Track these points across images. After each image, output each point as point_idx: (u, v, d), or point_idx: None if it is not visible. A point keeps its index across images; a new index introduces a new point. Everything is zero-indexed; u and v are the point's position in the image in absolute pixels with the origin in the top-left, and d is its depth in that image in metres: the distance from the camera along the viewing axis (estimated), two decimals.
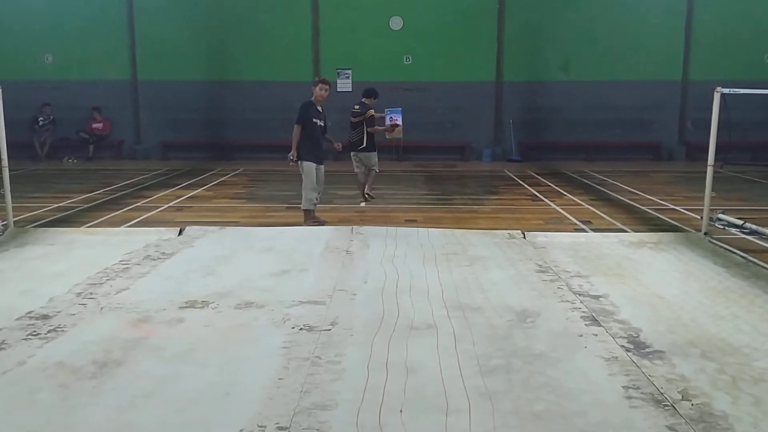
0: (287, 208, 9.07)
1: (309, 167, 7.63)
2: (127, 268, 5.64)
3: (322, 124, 7.79)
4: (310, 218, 7.72)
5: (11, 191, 6.98)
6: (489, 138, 16.22)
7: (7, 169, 6.90)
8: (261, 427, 2.93)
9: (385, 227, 7.42)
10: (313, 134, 7.65)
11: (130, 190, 10.78)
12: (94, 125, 15.94)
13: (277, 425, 2.94)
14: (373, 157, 9.17)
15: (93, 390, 3.31)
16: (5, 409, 3.12)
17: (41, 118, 15.61)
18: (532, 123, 16.10)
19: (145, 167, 13.89)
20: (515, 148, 15.95)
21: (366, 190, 9.25)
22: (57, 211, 8.69)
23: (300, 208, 7.80)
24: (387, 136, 9.47)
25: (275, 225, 7.72)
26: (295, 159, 7.59)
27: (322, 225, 7.63)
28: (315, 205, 7.80)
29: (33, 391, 3.28)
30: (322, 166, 7.83)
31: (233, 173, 13.08)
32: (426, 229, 7.39)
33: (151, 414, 3.08)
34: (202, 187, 11.19)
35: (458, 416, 3.05)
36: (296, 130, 7.55)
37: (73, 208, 9.02)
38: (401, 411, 3.10)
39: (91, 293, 4.89)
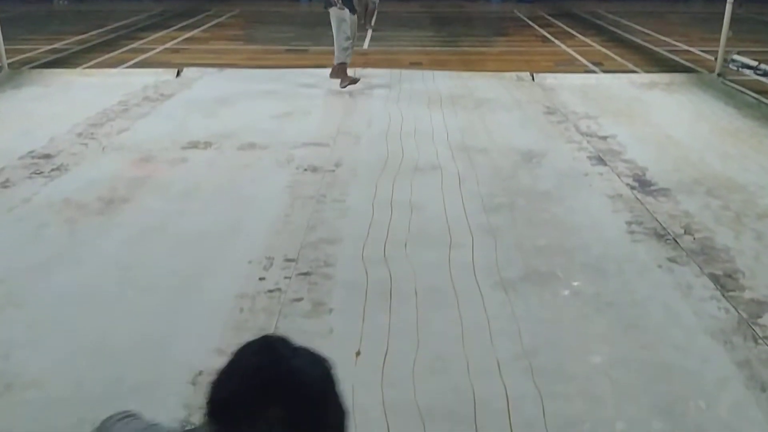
0: (287, 50, 8.76)
1: (345, 15, 6.23)
2: (126, 109, 5.53)
3: None
4: (345, 73, 6.37)
5: (2, 33, 6.72)
6: None
7: None
8: (269, 258, 2.98)
9: (389, 70, 7.19)
10: None
11: (125, 31, 10.36)
12: None
13: (285, 257, 2.99)
14: None
15: (100, 225, 3.35)
16: (15, 242, 3.17)
17: None
18: None
19: (138, 8, 13.26)
20: None
21: (371, 22, 10.23)
22: (51, 53, 8.40)
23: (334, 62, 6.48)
24: None
25: (275, 68, 7.47)
26: (340, 3, 6.17)
27: (355, 83, 6.40)
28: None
29: (41, 226, 3.31)
30: (355, 16, 6.51)
31: (230, 14, 12.50)
32: (431, 71, 7.16)
33: (160, 247, 3.13)
34: (198, 28, 10.74)
35: (461, 250, 3.10)
36: None
37: (67, 50, 8.71)
38: (406, 245, 3.14)
39: (92, 133, 4.82)
